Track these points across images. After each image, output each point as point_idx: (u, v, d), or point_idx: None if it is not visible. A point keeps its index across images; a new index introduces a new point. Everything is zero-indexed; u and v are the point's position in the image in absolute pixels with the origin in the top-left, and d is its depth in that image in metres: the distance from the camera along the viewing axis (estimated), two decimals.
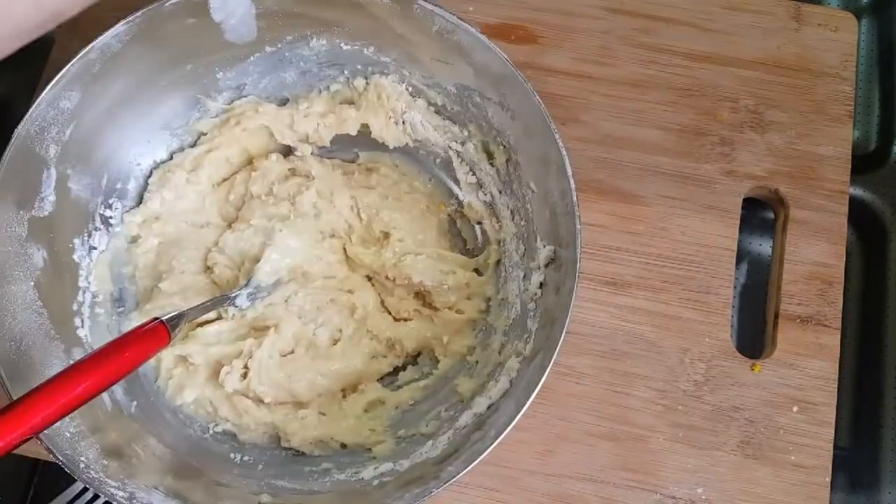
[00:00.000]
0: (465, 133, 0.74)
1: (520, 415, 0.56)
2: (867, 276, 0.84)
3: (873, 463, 0.78)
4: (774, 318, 0.74)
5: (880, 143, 0.88)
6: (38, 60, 0.82)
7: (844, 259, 0.75)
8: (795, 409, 0.71)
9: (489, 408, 0.64)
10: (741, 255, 0.80)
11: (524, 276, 0.69)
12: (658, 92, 0.80)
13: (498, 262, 0.74)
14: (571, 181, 0.61)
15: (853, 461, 0.78)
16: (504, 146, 0.71)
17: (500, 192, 0.73)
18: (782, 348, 0.73)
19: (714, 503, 0.69)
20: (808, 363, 0.72)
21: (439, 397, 0.70)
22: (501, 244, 0.73)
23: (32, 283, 0.62)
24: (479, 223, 0.76)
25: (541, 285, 0.67)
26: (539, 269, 0.67)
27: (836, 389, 0.72)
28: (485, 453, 0.56)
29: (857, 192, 0.85)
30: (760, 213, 0.82)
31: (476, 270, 0.75)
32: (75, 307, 0.67)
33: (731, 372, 0.72)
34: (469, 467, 0.56)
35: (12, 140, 0.60)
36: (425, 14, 0.65)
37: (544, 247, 0.67)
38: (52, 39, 0.82)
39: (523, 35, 0.82)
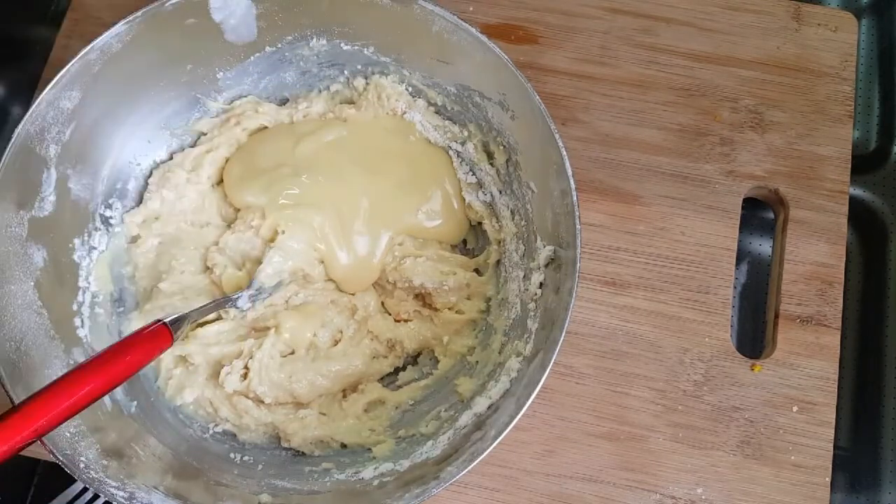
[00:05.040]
0: (465, 133, 0.74)
1: (520, 415, 0.56)
2: (867, 276, 0.84)
3: (873, 463, 0.78)
4: (774, 318, 0.74)
5: (880, 143, 0.88)
6: (38, 60, 0.82)
7: (844, 259, 0.75)
8: (795, 409, 0.71)
9: (489, 408, 0.64)
10: (741, 255, 0.80)
11: (524, 276, 0.69)
12: (658, 92, 0.80)
13: (498, 262, 0.74)
14: (571, 181, 0.61)
15: (853, 461, 0.78)
16: (504, 146, 0.71)
17: (500, 192, 0.73)
18: (782, 348, 0.73)
19: (714, 503, 0.69)
20: (808, 363, 0.72)
21: (439, 397, 0.70)
22: (501, 244, 0.73)
23: (32, 283, 0.62)
24: (479, 223, 0.76)
25: (541, 285, 0.67)
26: (539, 269, 0.67)
27: (836, 389, 0.72)
28: (485, 453, 0.56)
29: (857, 192, 0.85)
30: (760, 213, 0.82)
31: (476, 270, 0.75)
32: (75, 307, 0.67)
33: (730, 372, 0.72)
34: (469, 467, 0.56)
35: (12, 140, 0.60)
36: (425, 14, 0.65)
37: (544, 247, 0.67)
38: (52, 39, 0.82)
39: (523, 35, 0.82)
